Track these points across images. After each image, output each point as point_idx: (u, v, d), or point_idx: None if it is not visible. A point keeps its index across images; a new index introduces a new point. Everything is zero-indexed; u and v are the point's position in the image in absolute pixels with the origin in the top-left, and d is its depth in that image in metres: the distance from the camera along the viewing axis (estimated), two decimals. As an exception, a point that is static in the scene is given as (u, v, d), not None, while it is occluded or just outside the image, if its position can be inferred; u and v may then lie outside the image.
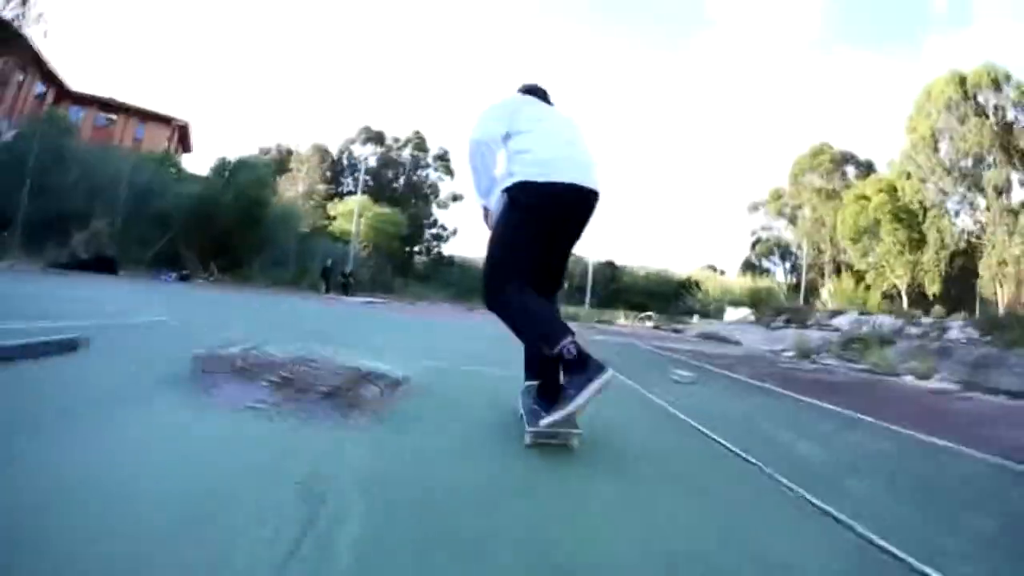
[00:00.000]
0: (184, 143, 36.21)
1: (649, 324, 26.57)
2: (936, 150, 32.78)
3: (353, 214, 35.18)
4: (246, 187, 23.69)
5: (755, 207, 52.23)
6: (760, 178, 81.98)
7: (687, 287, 46.24)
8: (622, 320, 28.85)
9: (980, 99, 31.83)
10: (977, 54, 60.54)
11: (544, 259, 2.65)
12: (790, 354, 11.28)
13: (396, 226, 42.71)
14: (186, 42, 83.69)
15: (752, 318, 25.76)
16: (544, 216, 2.51)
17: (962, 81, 31.89)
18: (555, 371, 2.40)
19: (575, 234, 2.70)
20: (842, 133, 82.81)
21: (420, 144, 52.37)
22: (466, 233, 62.77)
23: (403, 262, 45.76)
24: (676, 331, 21.08)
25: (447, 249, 52.88)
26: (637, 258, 62.36)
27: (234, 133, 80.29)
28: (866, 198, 36.84)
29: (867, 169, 44.74)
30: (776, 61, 76.57)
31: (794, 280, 47.91)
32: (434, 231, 52.81)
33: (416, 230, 49.56)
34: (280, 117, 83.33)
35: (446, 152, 53.14)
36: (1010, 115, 31.30)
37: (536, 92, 2.86)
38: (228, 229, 22.11)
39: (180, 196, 22.05)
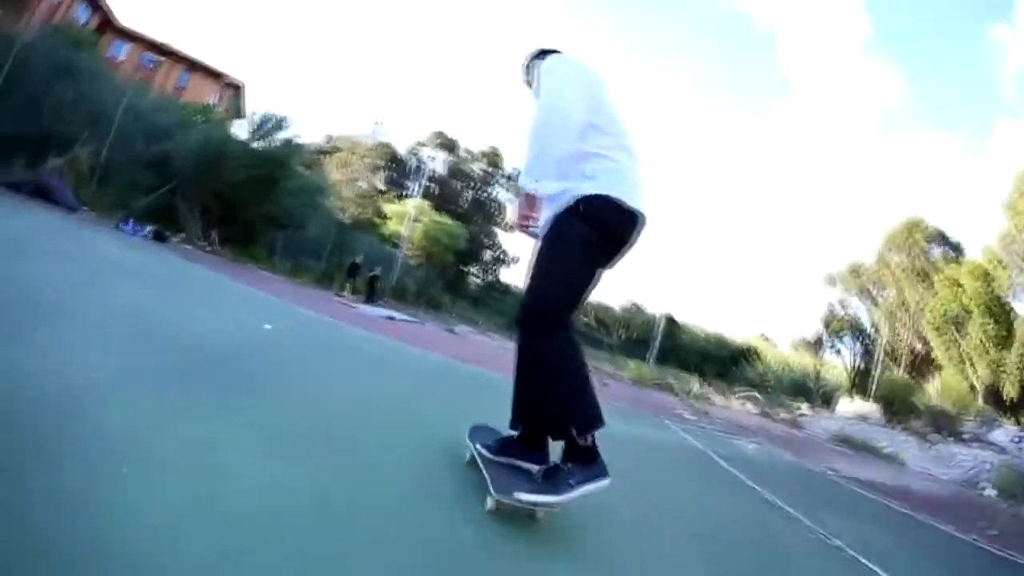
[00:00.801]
0: (235, 106, 31.89)
1: (751, 407, 20.54)
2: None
3: (408, 216, 30.45)
4: (275, 149, 19.22)
5: (832, 280, 45.55)
6: (830, 252, 75.72)
7: (747, 355, 41.13)
8: (715, 397, 22.82)
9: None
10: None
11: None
12: (993, 493, 8.30)
13: (454, 239, 37.72)
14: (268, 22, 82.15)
15: (872, 415, 20.57)
16: (615, 246, 2.23)
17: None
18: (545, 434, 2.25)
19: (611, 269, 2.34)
20: (922, 212, 75.35)
21: (494, 159, 48.16)
22: (526, 263, 58.54)
23: (455, 279, 41.15)
24: (797, 426, 15.70)
25: (504, 276, 48.20)
26: (692, 317, 57.29)
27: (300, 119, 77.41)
28: (959, 284, 33.20)
29: (955, 251, 39.01)
30: (851, 136, 70.45)
31: (862, 365, 42.19)
32: (494, 253, 48.22)
33: (475, 248, 45.08)
34: (351, 111, 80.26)
35: (519, 173, 48.57)
36: None
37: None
38: (240, 193, 17.27)
39: (189, 141, 17.64)
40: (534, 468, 2.19)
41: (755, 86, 73.48)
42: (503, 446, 2.29)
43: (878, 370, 34.82)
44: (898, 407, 20.37)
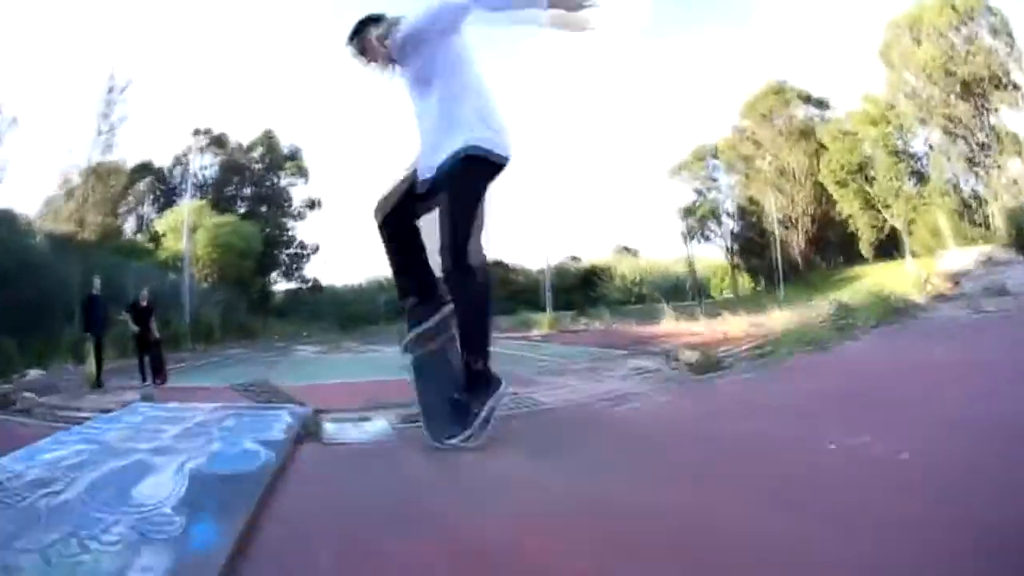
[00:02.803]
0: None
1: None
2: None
3: (184, 228, 24.56)
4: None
5: (678, 170, 44.88)
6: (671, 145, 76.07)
7: (597, 275, 42.55)
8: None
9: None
10: None
11: None
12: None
13: (245, 240, 31.86)
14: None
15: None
16: None
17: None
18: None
19: None
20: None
21: (271, 144, 41.99)
22: (331, 250, 53.20)
23: (260, 295, 35.49)
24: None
25: (309, 271, 42.91)
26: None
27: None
28: (851, 134, 35.17)
29: (821, 108, 40.12)
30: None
31: (735, 247, 43.88)
32: (292, 251, 42.56)
33: (271, 250, 39.35)
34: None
35: (298, 150, 42.85)
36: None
37: None
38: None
39: None
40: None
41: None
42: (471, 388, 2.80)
43: (777, 248, 35.68)
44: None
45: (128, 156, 39.87)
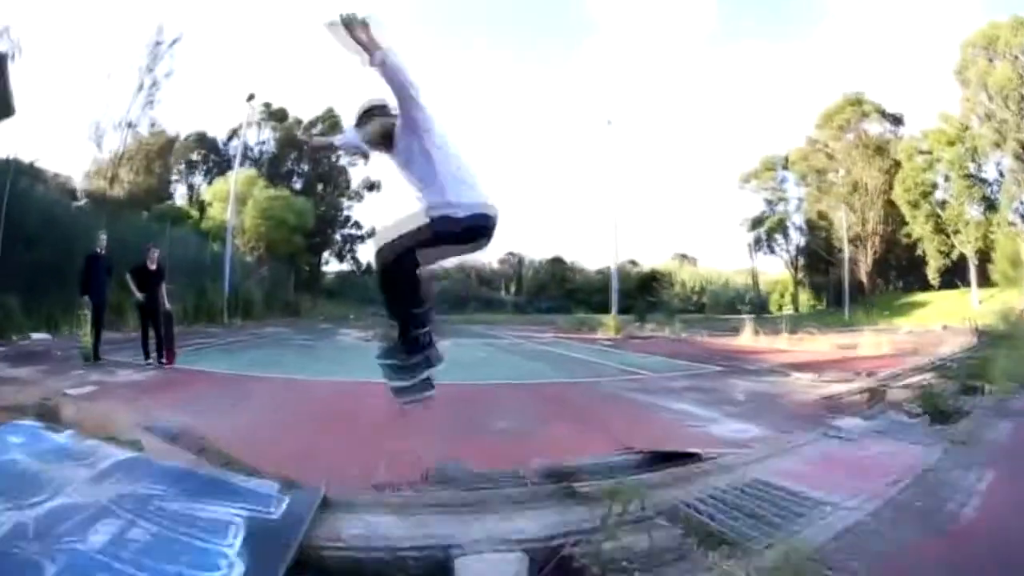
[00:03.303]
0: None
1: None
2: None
3: (231, 192, 23.13)
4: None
5: (747, 179, 42.87)
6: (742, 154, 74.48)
7: (656, 280, 41.81)
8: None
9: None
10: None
11: None
12: None
13: (298, 215, 30.22)
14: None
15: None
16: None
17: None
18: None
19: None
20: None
21: (333, 123, 40.81)
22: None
23: (311, 273, 34.34)
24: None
25: (363, 254, 41.70)
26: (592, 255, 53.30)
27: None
28: (926, 153, 33.35)
29: (896, 124, 38.06)
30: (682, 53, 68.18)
31: (802, 261, 41.68)
32: (347, 231, 41.49)
33: (326, 229, 38.29)
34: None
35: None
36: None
37: None
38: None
39: None
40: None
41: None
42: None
43: (846, 267, 33.26)
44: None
45: (180, 120, 40.03)
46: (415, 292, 3.31)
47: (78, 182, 16.92)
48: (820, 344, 12.19)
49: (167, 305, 9.31)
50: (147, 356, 8.89)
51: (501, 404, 7.03)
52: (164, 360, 8.95)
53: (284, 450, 4.68)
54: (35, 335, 10.64)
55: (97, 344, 8.94)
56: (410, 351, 3.46)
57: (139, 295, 9.00)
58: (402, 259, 3.06)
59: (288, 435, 5.40)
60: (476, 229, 3.08)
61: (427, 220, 2.97)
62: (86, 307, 8.86)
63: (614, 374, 9.41)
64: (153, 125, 16.92)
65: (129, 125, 15.84)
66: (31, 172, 13.21)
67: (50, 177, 15.45)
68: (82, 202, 15.91)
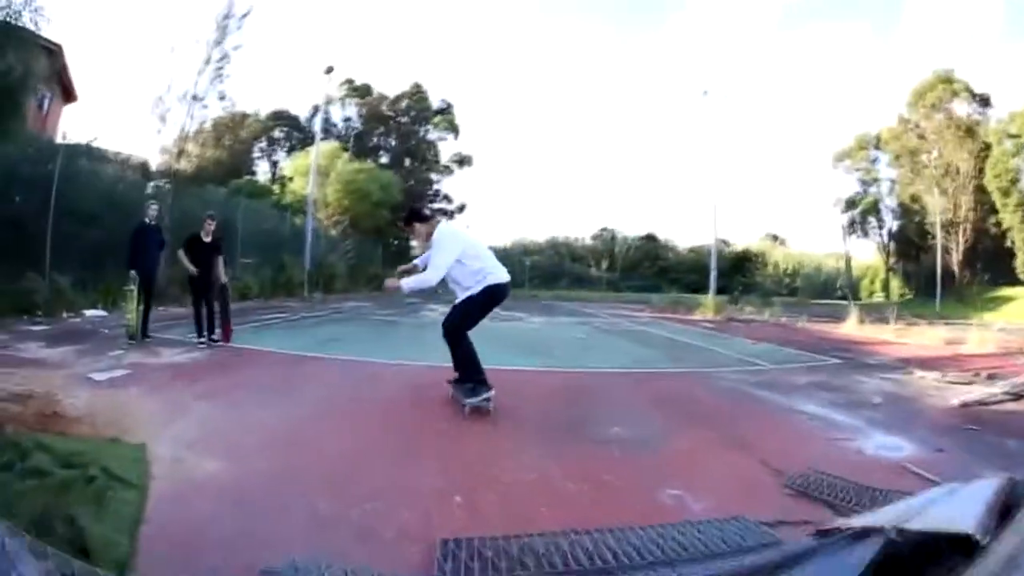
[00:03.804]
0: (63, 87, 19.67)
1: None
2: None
3: (312, 165, 22.29)
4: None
5: (841, 157, 39.45)
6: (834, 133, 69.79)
7: (750, 260, 40.50)
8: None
9: None
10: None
11: None
12: None
13: (383, 188, 29.19)
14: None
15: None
16: (496, 301, 5.05)
17: None
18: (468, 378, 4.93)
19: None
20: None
21: (420, 97, 39.92)
22: (478, 209, 51.95)
23: (398, 247, 33.62)
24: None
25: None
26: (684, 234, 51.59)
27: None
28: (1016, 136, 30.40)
29: (984, 105, 34.13)
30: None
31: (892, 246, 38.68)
32: (437, 205, 40.50)
33: (414, 203, 37.52)
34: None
35: (449, 105, 40.85)
36: None
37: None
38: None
39: None
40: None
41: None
42: (464, 386, 4.92)
43: (939, 248, 30.68)
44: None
45: (260, 98, 40.15)
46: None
47: (144, 160, 16.54)
48: (926, 337, 11.42)
49: (223, 278, 8.22)
50: (200, 334, 7.79)
51: (612, 399, 5.87)
52: (220, 338, 7.90)
53: (327, 471, 3.49)
54: (89, 312, 9.99)
55: (146, 321, 7.95)
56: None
57: (192, 268, 7.91)
58: (458, 327, 5.03)
59: (335, 440, 4.11)
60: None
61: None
62: (132, 282, 7.81)
63: (730, 363, 8.50)
64: (223, 99, 16.29)
65: (195, 98, 15.04)
66: (87, 152, 12.82)
67: (112, 155, 15.01)
68: (151, 180, 15.43)
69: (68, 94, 19.15)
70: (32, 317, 8.68)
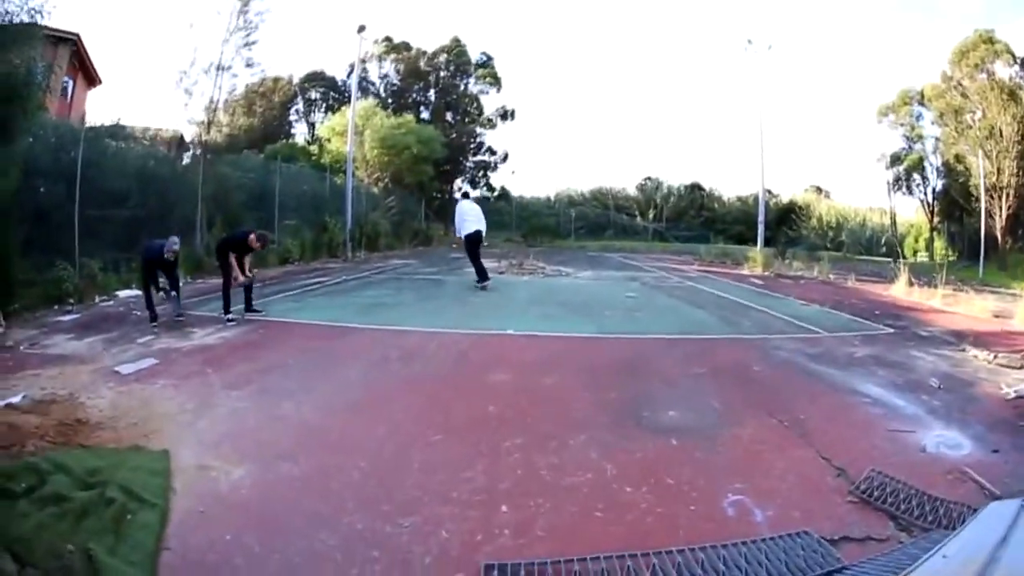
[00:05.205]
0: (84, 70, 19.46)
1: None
2: None
3: (350, 123, 21.72)
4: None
5: (886, 112, 37.27)
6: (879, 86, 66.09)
7: (795, 212, 38.27)
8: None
9: None
10: None
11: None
12: None
13: (424, 142, 28.07)
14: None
15: None
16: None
17: None
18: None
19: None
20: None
21: (458, 52, 38.70)
22: (521, 161, 51.01)
23: (442, 201, 33.16)
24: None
25: (496, 180, 40.22)
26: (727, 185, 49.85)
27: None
28: None
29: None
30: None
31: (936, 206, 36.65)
32: (480, 158, 39.70)
33: (457, 157, 36.88)
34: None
35: (490, 59, 39.66)
36: None
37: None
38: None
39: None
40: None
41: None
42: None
43: (983, 211, 28.74)
44: None
45: (293, 61, 39.55)
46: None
47: (175, 132, 16.43)
48: (974, 307, 10.88)
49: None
50: (227, 310, 7.49)
51: (665, 375, 5.66)
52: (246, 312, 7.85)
53: (362, 477, 3.33)
54: (123, 293, 9.85)
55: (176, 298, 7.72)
56: None
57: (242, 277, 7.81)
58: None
59: (371, 437, 3.89)
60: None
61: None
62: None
63: (783, 328, 8.47)
64: (250, 66, 15.80)
65: (220, 68, 14.58)
66: (111, 133, 12.59)
67: (140, 132, 14.89)
68: (181, 152, 15.36)
69: (91, 79, 19.60)
70: (63, 306, 8.58)
